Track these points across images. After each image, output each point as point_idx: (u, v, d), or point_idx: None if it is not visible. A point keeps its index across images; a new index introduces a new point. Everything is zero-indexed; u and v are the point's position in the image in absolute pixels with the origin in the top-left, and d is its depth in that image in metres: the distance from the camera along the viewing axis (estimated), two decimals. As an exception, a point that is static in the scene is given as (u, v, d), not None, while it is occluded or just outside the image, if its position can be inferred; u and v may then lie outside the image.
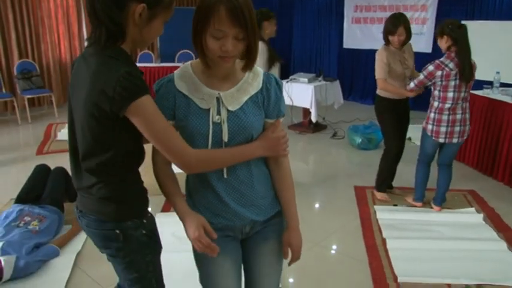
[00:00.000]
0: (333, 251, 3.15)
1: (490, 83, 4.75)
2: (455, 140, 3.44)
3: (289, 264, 1.60)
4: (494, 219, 3.54)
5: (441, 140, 3.43)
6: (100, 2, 1.29)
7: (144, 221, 1.51)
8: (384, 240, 3.20)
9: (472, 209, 3.71)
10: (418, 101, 3.89)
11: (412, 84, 3.46)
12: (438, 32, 3.39)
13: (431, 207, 3.70)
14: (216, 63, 1.38)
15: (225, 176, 1.47)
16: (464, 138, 3.49)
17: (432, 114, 3.44)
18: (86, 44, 1.43)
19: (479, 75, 5.52)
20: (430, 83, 3.38)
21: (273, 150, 1.48)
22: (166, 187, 1.51)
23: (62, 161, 3.74)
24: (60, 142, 5.89)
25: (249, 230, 1.59)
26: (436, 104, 3.42)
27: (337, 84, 6.31)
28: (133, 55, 1.35)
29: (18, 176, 4.65)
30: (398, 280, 2.71)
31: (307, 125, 6.32)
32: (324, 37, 8.86)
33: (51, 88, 7.88)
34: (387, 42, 3.62)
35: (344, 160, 5.30)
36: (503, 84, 4.84)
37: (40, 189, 3.48)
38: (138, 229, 1.49)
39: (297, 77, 6.18)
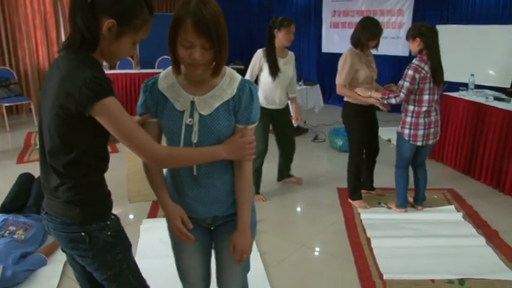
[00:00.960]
0: (319, 252, 3.21)
1: (465, 85, 4.91)
2: (431, 142, 3.53)
3: (236, 262, 1.69)
4: (472, 216, 3.66)
5: (419, 143, 3.47)
6: (80, 10, 1.36)
7: (108, 222, 1.56)
8: (368, 240, 3.28)
9: (452, 207, 3.83)
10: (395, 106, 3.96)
11: (402, 95, 3.37)
12: (410, 35, 3.44)
13: (413, 207, 3.80)
14: (188, 69, 1.49)
15: (195, 173, 1.60)
16: (437, 138, 3.58)
17: (409, 119, 3.47)
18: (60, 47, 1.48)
19: (455, 77, 5.71)
20: (411, 87, 3.36)
21: (236, 154, 1.56)
22: (153, 180, 1.63)
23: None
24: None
25: (211, 222, 1.73)
26: (411, 107, 3.45)
27: (317, 88, 6.42)
28: (113, 66, 1.39)
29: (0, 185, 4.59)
30: (384, 277, 2.78)
31: (288, 129, 6.38)
32: (303, 42, 8.98)
33: (30, 96, 7.79)
34: (360, 45, 3.63)
35: (326, 162, 5.39)
36: (477, 86, 5.01)
37: (24, 197, 3.46)
38: (102, 231, 1.54)
39: (278, 82, 6.24)
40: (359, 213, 3.73)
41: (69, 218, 1.50)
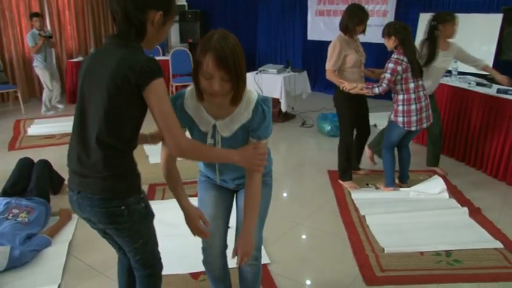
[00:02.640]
0: (314, 229, 3.35)
1: (449, 72, 5.10)
2: (424, 125, 3.73)
3: (237, 264, 1.89)
4: (456, 195, 3.85)
5: (413, 129, 3.67)
6: (131, 8, 1.55)
7: (142, 195, 1.73)
8: (360, 217, 3.45)
9: (436, 176, 4.05)
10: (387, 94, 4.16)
11: (384, 85, 3.59)
12: (385, 33, 3.68)
13: (399, 186, 4.00)
14: (208, 97, 1.68)
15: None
16: (431, 121, 3.77)
17: (401, 107, 3.66)
18: (106, 39, 1.68)
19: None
20: (394, 77, 3.58)
21: (247, 162, 1.73)
22: (170, 182, 1.86)
23: (36, 155, 3.79)
24: (31, 138, 5.85)
25: (235, 187, 2.07)
26: (401, 97, 3.65)
27: (304, 74, 6.54)
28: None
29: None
30: (386, 251, 2.96)
31: (276, 115, 6.51)
32: (289, 30, 9.07)
33: (16, 83, 7.72)
34: (348, 31, 3.79)
35: (315, 147, 5.54)
36: (460, 73, 5.20)
37: (25, 182, 3.52)
38: (139, 203, 1.70)
39: (266, 69, 6.36)
40: (350, 194, 3.89)
41: (110, 192, 1.63)
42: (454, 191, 3.94)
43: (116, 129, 1.58)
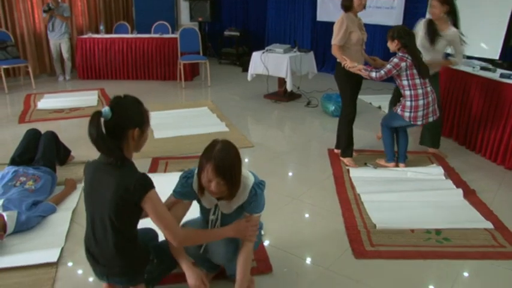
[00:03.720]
0: (309, 205, 3.45)
1: (452, 56, 5.09)
2: (430, 119, 3.86)
3: None
4: (453, 176, 3.91)
5: (419, 123, 3.84)
6: (105, 142, 1.90)
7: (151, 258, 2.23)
8: (355, 195, 3.54)
9: (434, 165, 4.10)
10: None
11: (382, 72, 3.73)
12: (389, 36, 3.81)
13: (396, 166, 4.07)
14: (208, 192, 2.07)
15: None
16: (437, 115, 3.89)
17: (408, 103, 3.79)
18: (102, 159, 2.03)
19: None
20: (396, 73, 3.73)
21: (241, 234, 2.13)
22: (175, 251, 2.16)
23: (45, 128, 3.91)
24: (40, 111, 5.98)
25: None
26: (408, 92, 3.78)
27: (311, 55, 6.57)
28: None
29: (4, 142, 4.78)
30: (377, 227, 3.05)
31: (282, 94, 6.58)
32: (298, 10, 9.05)
33: (27, 58, 7.84)
34: (349, 9, 3.91)
35: (318, 126, 5.60)
36: (468, 58, 5.19)
37: (33, 151, 3.64)
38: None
39: (273, 48, 6.40)
40: (348, 172, 3.97)
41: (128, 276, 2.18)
42: (451, 173, 4.00)
43: (123, 230, 2.01)
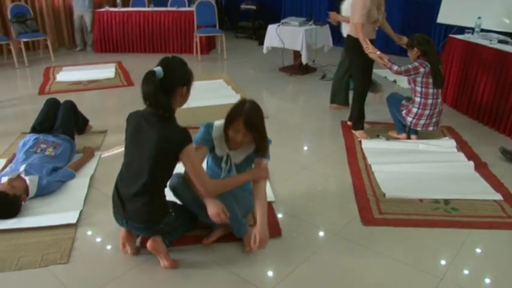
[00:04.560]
0: (320, 174, 3.51)
1: (471, 29, 5.03)
2: (430, 129, 3.92)
3: (253, 249, 2.33)
4: (465, 149, 3.91)
5: (418, 129, 3.93)
6: (158, 97, 2.12)
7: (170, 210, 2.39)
8: (366, 165, 3.58)
9: (446, 138, 4.11)
10: (403, 49, 4.22)
11: (402, 69, 3.78)
12: (408, 44, 3.90)
13: (408, 138, 4.10)
14: (231, 143, 2.39)
15: None
16: (438, 126, 3.97)
17: (415, 109, 3.86)
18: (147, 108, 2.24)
19: (461, 21, 5.80)
20: (413, 76, 3.78)
21: (257, 176, 2.44)
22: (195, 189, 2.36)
23: (64, 99, 4.01)
24: (59, 83, 6.11)
25: None
26: (418, 99, 3.84)
27: (326, 28, 6.53)
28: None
29: (25, 112, 4.94)
30: (386, 196, 3.10)
31: (297, 67, 6.58)
32: (316, -18, 8.95)
33: (46, 32, 7.95)
34: None
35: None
36: (483, 30, 5.11)
37: (52, 120, 3.76)
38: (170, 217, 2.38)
39: (289, 21, 6.39)
40: (360, 143, 4.02)
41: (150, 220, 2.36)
42: (463, 146, 4.00)
43: (156, 177, 2.22)
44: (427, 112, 3.82)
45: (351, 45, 3.99)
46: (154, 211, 2.29)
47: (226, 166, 2.47)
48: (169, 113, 2.19)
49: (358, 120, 4.18)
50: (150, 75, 2.12)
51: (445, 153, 3.80)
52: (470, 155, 3.81)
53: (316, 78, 6.39)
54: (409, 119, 3.90)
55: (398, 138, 4.11)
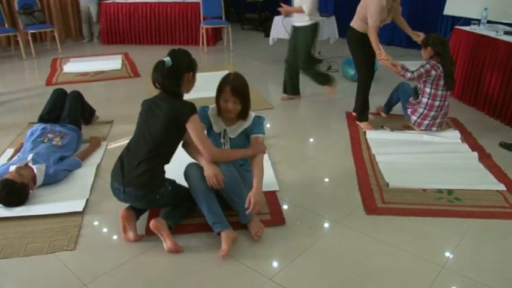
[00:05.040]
0: (324, 163, 3.53)
1: (477, 21, 5.00)
2: (433, 129, 3.91)
3: (248, 211, 2.44)
4: (469, 141, 3.90)
5: (422, 128, 3.92)
6: (168, 83, 2.45)
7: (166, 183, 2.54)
8: (371, 155, 3.60)
9: (451, 129, 4.11)
10: (411, 40, 4.18)
11: (415, 75, 3.76)
12: (423, 43, 3.87)
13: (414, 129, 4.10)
14: (224, 113, 2.62)
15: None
16: (442, 127, 3.95)
17: (421, 109, 3.86)
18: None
19: (468, 13, 5.75)
20: (424, 79, 3.79)
21: (256, 150, 2.64)
22: (195, 156, 2.61)
23: (71, 90, 4.05)
24: (66, 74, 6.16)
25: None
26: (425, 100, 3.83)
27: (332, 19, 6.51)
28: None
29: (32, 103, 4.99)
30: (390, 186, 3.12)
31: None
32: (322, -27, 8.88)
33: (53, 23, 7.99)
34: None
35: (338, 91, 5.57)
36: (489, 22, 5.07)
37: (59, 110, 3.80)
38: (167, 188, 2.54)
39: (295, 13, 6.35)
40: (364, 134, 4.03)
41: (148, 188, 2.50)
42: (468, 137, 4.00)
43: (161, 146, 2.44)
44: (432, 113, 3.83)
45: (354, 38, 4.00)
46: (152, 178, 2.44)
47: (224, 141, 2.69)
48: (178, 94, 2.49)
49: (362, 111, 4.19)
50: (160, 64, 2.44)
51: (449, 144, 3.81)
52: (475, 146, 3.82)
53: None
54: (413, 118, 3.91)
55: (411, 127, 4.10)
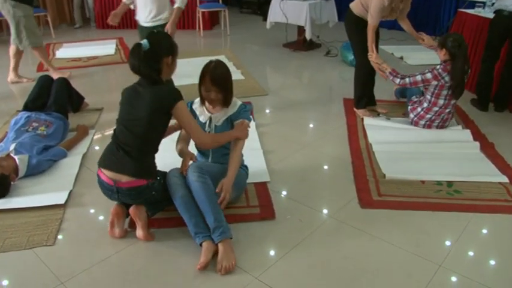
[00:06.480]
0: (319, 152, 3.40)
1: (482, 3, 4.81)
2: (433, 128, 3.70)
3: (219, 200, 2.33)
4: (472, 130, 3.72)
5: (420, 127, 3.72)
6: (145, 68, 2.27)
7: (158, 178, 2.41)
8: (367, 144, 3.46)
9: (453, 121, 3.92)
10: (413, 24, 3.98)
11: (407, 81, 3.60)
12: (439, 44, 3.59)
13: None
14: (207, 101, 2.58)
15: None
16: (445, 126, 3.72)
17: (419, 109, 3.70)
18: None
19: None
20: (422, 85, 3.63)
21: (240, 133, 2.54)
22: (180, 147, 2.63)
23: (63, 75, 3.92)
24: (59, 60, 6.01)
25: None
26: (425, 104, 3.65)
27: (332, 2, 6.31)
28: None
29: (23, 89, 4.83)
30: (386, 177, 2.98)
31: (301, 43, 6.40)
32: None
33: (46, 8, 7.81)
34: None
35: (336, 76, 5.46)
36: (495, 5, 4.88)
37: (45, 97, 3.67)
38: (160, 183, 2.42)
39: (293, -5, 6.17)
40: (362, 120, 3.89)
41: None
42: (469, 125, 3.85)
43: (150, 139, 2.34)
44: (428, 116, 3.64)
45: (351, 22, 3.85)
46: (144, 168, 2.34)
47: (210, 129, 2.61)
48: (157, 81, 2.32)
49: (360, 98, 4.03)
50: (136, 48, 2.27)
51: (449, 132, 3.65)
52: (477, 134, 3.66)
53: (320, 54, 6.21)
54: (411, 115, 3.74)
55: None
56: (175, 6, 3.81)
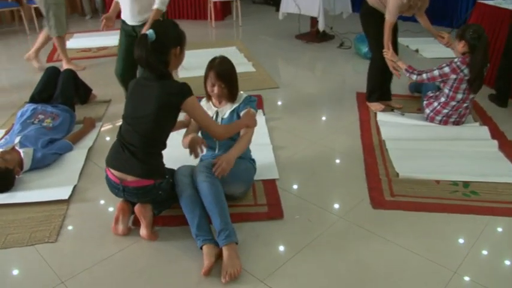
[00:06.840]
0: (330, 149, 3.29)
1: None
2: (449, 124, 3.57)
3: (213, 169, 2.29)
4: (490, 127, 3.59)
5: (436, 122, 3.58)
6: (153, 61, 2.14)
7: (166, 177, 2.34)
8: (380, 141, 3.35)
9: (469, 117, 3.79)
10: (430, 16, 3.83)
11: (424, 77, 3.49)
12: (458, 35, 3.43)
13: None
14: (212, 97, 2.63)
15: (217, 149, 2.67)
16: (461, 122, 3.58)
17: (435, 104, 3.55)
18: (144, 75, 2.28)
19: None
20: (440, 80, 3.49)
21: (248, 122, 2.54)
22: (188, 133, 2.60)
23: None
24: (69, 50, 5.91)
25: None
26: (442, 99, 3.50)
27: (345, -8, 6.15)
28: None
29: (33, 81, 4.77)
30: (400, 176, 2.87)
31: (314, 35, 6.26)
32: None
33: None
34: None
35: (349, 68, 5.33)
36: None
37: (52, 89, 3.62)
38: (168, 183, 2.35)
39: (306, -15, 6.02)
40: (375, 116, 3.77)
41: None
42: (487, 122, 3.70)
43: (157, 138, 2.26)
44: (445, 111, 3.50)
45: (367, 14, 3.73)
46: (152, 167, 2.27)
47: (217, 123, 2.57)
48: (165, 74, 2.21)
49: (373, 91, 3.92)
50: (142, 39, 2.13)
51: (466, 129, 3.52)
52: (495, 132, 3.52)
53: (333, 46, 6.06)
54: (427, 111, 3.60)
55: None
56: (154, 7, 3.38)
